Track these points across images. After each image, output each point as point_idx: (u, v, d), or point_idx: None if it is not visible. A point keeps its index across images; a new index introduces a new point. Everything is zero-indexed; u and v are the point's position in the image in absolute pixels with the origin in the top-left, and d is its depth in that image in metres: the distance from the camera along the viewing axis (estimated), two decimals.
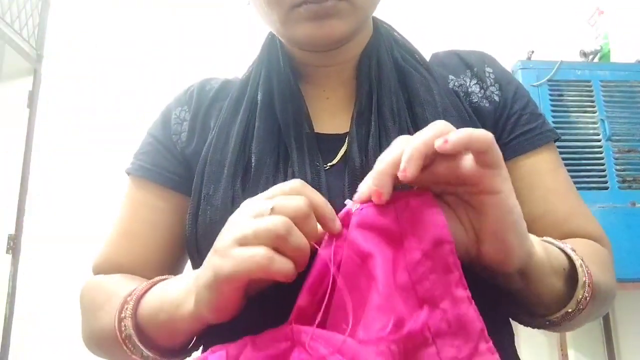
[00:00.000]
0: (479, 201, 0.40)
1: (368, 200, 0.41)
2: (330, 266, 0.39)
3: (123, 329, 0.47)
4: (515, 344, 0.57)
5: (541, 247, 0.47)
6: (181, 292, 0.44)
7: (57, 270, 2.07)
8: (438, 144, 0.37)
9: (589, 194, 1.74)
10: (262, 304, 0.44)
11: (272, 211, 0.39)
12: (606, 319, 2.00)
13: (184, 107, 0.65)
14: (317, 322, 0.38)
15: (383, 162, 0.40)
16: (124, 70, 2.38)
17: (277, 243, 0.38)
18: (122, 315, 0.48)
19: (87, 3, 2.50)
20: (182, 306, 0.44)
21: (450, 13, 2.39)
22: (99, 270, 0.62)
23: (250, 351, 0.38)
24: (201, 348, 0.57)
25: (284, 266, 0.38)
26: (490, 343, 0.37)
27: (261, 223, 0.38)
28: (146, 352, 0.47)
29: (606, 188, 1.79)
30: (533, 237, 0.47)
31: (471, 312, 0.38)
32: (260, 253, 0.37)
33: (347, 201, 0.42)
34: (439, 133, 0.38)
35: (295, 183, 0.42)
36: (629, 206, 1.77)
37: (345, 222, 0.41)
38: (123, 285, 0.54)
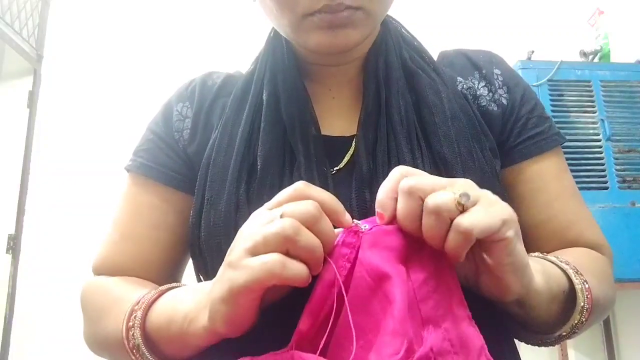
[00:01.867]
0: (482, 242, 0.39)
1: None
2: (341, 293, 0.38)
3: (131, 338, 0.47)
4: (515, 344, 0.57)
5: (541, 275, 0.46)
6: (193, 307, 0.44)
7: (57, 270, 2.07)
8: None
9: (589, 194, 1.74)
10: (272, 320, 0.44)
11: (282, 217, 0.39)
12: (606, 319, 2.00)
13: (185, 102, 0.63)
14: (320, 348, 0.37)
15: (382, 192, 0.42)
16: (124, 70, 2.38)
17: (287, 246, 0.38)
18: (130, 324, 0.47)
19: (87, 3, 2.50)
20: (195, 321, 0.43)
21: (450, 13, 2.39)
22: (100, 271, 0.61)
23: None
24: None
25: (297, 270, 0.37)
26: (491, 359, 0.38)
27: (269, 228, 0.38)
28: None
29: (606, 188, 1.79)
30: (535, 262, 0.47)
31: (471, 330, 0.38)
32: (271, 259, 0.37)
33: (355, 221, 0.41)
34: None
35: (299, 185, 0.41)
36: (629, 206, 1.77)
37: (351, 243, 0.40)
38: (129, 291, 0.53)
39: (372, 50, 0.60)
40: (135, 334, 0.47)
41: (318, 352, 0.37)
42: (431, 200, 0.38)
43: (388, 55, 0.60)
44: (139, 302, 0.48)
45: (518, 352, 0.55)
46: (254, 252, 0.38)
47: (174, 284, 0.52)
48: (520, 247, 0.40)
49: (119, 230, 0.62)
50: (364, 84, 0.59)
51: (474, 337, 0.38)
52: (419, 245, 0.40)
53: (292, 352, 0.37)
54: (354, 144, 0.56)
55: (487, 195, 0.40)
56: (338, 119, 0.60)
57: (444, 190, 0.38)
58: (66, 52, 2.44)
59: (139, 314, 0.47)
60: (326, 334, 0.38)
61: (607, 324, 2.00)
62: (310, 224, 0.39)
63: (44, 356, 2.06)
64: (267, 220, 0.39)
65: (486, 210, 0.38)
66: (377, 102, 0.57)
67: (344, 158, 0.56)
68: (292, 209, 0.39)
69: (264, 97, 0.59)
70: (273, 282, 0.37)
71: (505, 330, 0.54)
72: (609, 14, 2.24)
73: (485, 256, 0.40)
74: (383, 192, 0.41)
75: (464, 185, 0.39)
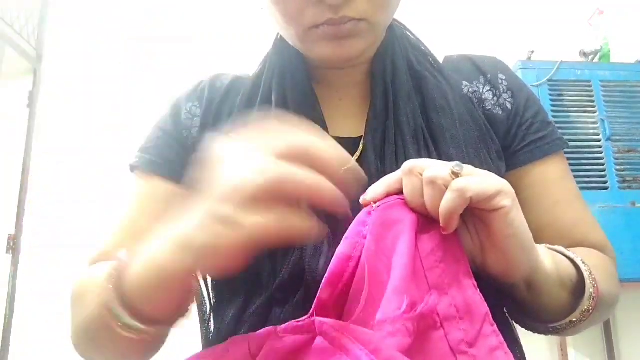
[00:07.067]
0: (482, 214, 0.42)
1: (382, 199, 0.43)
2: (356, 266, 0.40)
3: (106, 300, 0.42)
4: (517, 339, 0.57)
5: (550, 259, 0.47)
6: (167, 246, 0.39)
7: (57, 270, 2.07)
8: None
9: (589, 194, 1.74)
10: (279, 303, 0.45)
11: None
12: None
13: (195, 102, 0.64)
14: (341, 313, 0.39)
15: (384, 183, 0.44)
16: (124, 70, 2.38)
17: (276, 189, 0.34)
18: (106, 286, 0.42)
19: (87, 3, 2.50)
20: (170, 257, 0.38)
21: (450, 13, 2.39)
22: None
23: (272, 343, 0.38)
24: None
25: (300, 225, 0.35)
26: (495, 326, 0.39)
27: (245, 177, 0.34)
28: (128, 319, 0.41)
29: (606, 188, 1.79)
30: (543, 249, 0.48)
31: (477, 297, 0.40)
32: (267, 218, 0.34)
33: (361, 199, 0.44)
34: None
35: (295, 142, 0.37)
36: (629, 206, 1.77)
37: (365, 221, 0.42)
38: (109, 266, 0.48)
39: (379, 54, 0.61)
40: (108, 295, 0.42)
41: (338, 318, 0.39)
42: (427, 173, 0.41)
43: (395, 58, 0.61)
44: (115, 267, 0.44)
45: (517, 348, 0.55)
46: (247, 206, 0.34)
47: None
48: (520, 219, 0.42)
49: (122, 225, 0.61)
50: (372, 86, 0.60)
51: (479, 304, 0.39)
52: (426, 220, 0.42)
53: (313, 319, 0.39)
54: (361, 144, 0.57)
55: (484, 171, 0.42)
56: (345, 121, 0.61)
57: (440, 166, 0.41)
58: (66, 52, 2.44)
59: (114, 273, 0.43)
60: (357, 302, 0.39)
61: (607, 324, 2.00)
62: (288, 155, 0.36)
63: (44, 356, 2.06)
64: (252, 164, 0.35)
65: (481, 178, 0.41)
66: (384, 104, 0.58)
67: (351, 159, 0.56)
68: (266, 145, 0.35)
69: (273, 98, 0.60)
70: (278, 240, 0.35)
71: (507, 324, 0.55)
72: (609, 14, 2.24)
73: (488, 231, 0.42)
74: (391, 175, 0.44)
75: (460, 163, 0.41)
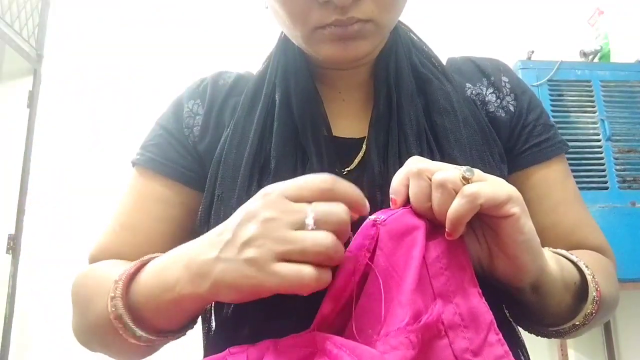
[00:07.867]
0: (491, 220, 0.41)
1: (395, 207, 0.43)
2: (360, 282, 0.40)
3: (113, 309, 0.45)
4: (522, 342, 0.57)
5: (555, 263, 0.48)
6: (185, 274, 0.42)
7: (57, 270, 2.07)
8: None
9: (589, 194, 1.74)
10: (281, 310, 0.46)
11: (316, 225, 0.38)
12: None
13: (197, 100, 0.63)
14: (345, 328, 0.39)
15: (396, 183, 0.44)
16: (124, 70, 2.38)
17: (324, 262, 0.38)
18: (112, 294, 0.45)
19: (87, 3, 2.50)
20: (189, 286, 0.41)
21: (450, 13, 2.39)
22: (96, 260, 0.59)
23: (271, 356, 0.38)
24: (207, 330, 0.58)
25: (326, 280, 0.38)
26: (500, 335, 0.39)
27: (308, 241, 0.37)
28: (139, 332, 0.45)
29: (606, 188, 1.79)
30: (548, 252, 0.48)
31: (481, 306, 0.39)
32: (308, 275, 0.37)
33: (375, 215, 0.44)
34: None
35: (326, 181, 0.40)
36: (629, 206, 1.77)
37: (370, 234, 0.42)
38: (115, 268, 0.51)
39: (382, 55, 0.61)
40: (116, 304, 0.45)
41: (343, 334, 0.39)
42: (437, 176, 0.40)
43: (398, 60, 0.60)
44: (120, 274, 0.47)
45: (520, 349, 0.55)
46: (285, 258, 0.37)
47: (155, 254, 0.49)
48: (530, 225, 0.42)
49: (120, 220, 0.61)
50: (375, 87, 0.60)
51: (484, 312, 0.39)
52: (432, 226, 0.42)
53: (314, 333, 0.39)
54: (364, 145, 0.57)
55: (493, 177, 0.42)
56: (348, 121, 0.61)
57: (450, 169, 0.41)
58: (66, 52, 2.44)
59: (120, 284, 0.46)
60: (353, 318, 0.39)
61: (607, 324, 2.00)
62: (341, 233, 0.39)
63: (44, 356, 2.06)
64: (297, 222, 0.38)
65: (492, 184, 0.40)
66: (388, 105, 0.58)
67: (354, 159, 0.57)
68: (326, 218, 0.38)
69: (277, 98, 0.59)
70: (301, 292, 0.38)
71: (511, 332, 0.55)
72: (609, 14, 2.24)
73: (498, 237, 0.42)
74: (396, 180, 0.43)
75: (471, 168, 0.41)
